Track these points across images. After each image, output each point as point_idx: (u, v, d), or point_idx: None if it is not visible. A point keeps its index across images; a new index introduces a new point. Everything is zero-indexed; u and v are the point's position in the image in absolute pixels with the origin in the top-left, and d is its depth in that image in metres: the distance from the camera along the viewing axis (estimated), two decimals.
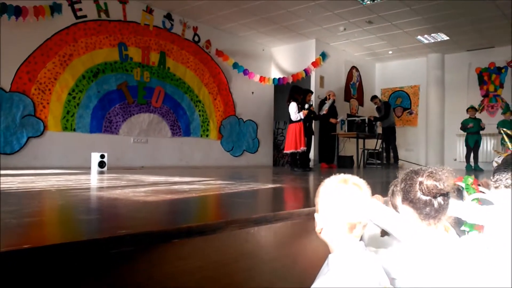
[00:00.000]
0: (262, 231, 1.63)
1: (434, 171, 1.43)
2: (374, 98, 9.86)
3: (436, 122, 10.88)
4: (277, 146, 11.44)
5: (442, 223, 1.48)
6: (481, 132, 9.29)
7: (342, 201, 1.22)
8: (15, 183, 3.19)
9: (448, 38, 9.52)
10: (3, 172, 4.66)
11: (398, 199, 1.49)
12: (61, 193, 2.63)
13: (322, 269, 1.25)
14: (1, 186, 2.92)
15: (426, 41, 9.85)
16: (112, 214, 1.82)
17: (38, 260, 1.02)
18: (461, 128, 9.42)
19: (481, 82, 10.50)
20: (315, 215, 1.30)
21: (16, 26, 6.03)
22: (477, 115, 9.50)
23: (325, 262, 1.25)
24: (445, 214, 1.45)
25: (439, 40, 9.71)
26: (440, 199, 1.41)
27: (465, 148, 9.59)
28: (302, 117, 6.96)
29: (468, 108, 9.45)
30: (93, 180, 3.94)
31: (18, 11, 5.95)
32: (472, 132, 9.23)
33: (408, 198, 1.43)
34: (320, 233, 1.27)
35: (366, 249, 1.25)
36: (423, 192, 1.41)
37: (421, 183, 1.42)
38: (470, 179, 2.00)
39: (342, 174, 1.30)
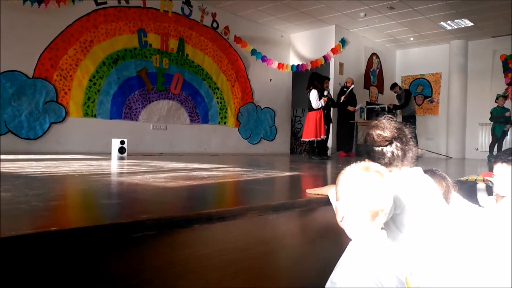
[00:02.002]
0: (280, 218, 1.64)
1: (379, 122, 1.54)
2: (394, 86, 9.67)
3: (457, 111, 10.64)
4: (295, 133, 11.41)
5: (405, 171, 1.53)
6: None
7: (364, 189, 1.21)
8: (40, 167, 3.28)
9: (472, 24, 9.24)
10: (27, 157, 4.80)
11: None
12: (84, 178, 2.70)
13: (342, 258, 1.26)
14: (26, 170, 3.01)
15: (449, 27, 9.59)
16: (133, 199, 1.86)
17: (64, 242, 1.06)
18: (491, 118, 9.17)
19: (506, 69, 10.18)
20: (336, 203, 1.30)
21: (38, 12, 6.12)
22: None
23: (346, 250, 1.25)
24: (401, 162, 1.52)
25: (462, 26, 9.44)
26: (391, 148, 1.50)
27: (489, 137, 9.37)
28: (323, 105, 6.90)
29: (498, 97, 9.20)
30: (114, 165, 4.02)
31: None
32: (501, 122, 9.00)
33: (368, 152, 1.56)
34: (341, 221, 1.26)
35: (388, 238, 1.25)
36: (373, 143, 1.52)
37: (368, 134, 1.54)
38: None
39: (363, 162, 1.29)
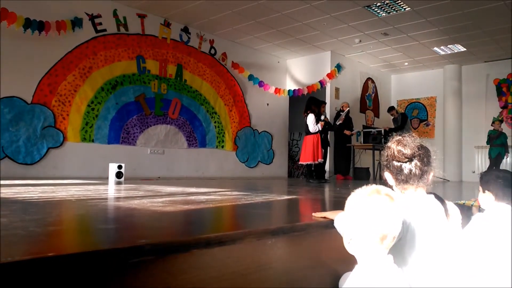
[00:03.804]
0: (279, 242, 1.63)
1: (402, 138, 1.56)
2: (391, 109, 9.79)
3: (453, 134, 10.73)
4: (292, 157, 11.42)
5: (420, 193, 1.56)
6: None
7: (374, 211, 1.21)
8: (37, 192, 3.26)
9: (465, 49, 9.44)
10: (24, 182, 4.77)
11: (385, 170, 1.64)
12: (81, 203, 2.68)
13: (347, 281, 1.24)
14: (23, 195, 2.99)
15: (442, 53, 9.78)
16: (130, 223, 1.85)
17: (61, 268, 1.05)
18: (488, 141, 9.25)
19: (500, 93, 10.34)
20: (344, 225, 1.29)
21: (38, 40, 6.22)
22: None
23: (351, 274, 1.24)
24: (418, 182, 1.54)
25: (456, 51, 9.63)
26: (409, 165, 1.52)
27: (486, 160, 9.44)
28: (320, 129, 6.96)
29: (495, 121, 9.32)
30: (111, 190, 4.00)
31: (41, 26, 6.15)
32: (497, 145, 9.08)
33: (387, 166, 1.59)
34: (349, 243, 1.25)
35: (394, 264, 1.24)
36: (392, 158, 1.54)
37: (389, 148, 1.55)
38: None
39: (374, 185, 1.29)
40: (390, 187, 1.54)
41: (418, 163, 1.53)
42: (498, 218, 1.78)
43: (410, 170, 1.53)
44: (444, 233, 1.52)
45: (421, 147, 1.55)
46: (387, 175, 1.61)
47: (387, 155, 1.58)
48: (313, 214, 1.98)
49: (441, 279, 1.40)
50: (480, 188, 1.96)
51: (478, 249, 1.61)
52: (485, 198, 1.92)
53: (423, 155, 1.54)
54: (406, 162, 1.53)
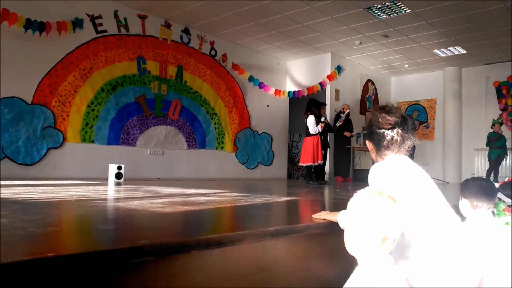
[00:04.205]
0: (279, 243, 1.63)
1: (386, 105, 1.61)
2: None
3: (453, 136, 10.73)
4: (292, 158, 11.42)
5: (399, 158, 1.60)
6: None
7: (377, 213, 1.21)
8: (36, 193, 3.26)
9: (465, 51, 9.44)
10: (24, 182, 4.77)
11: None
12: (81, 203, 2.68)
13: (348, 283, 1.24)
14: (22, 196, 2.99)
15: (442, 55, 9.79)
16: (130, 224, 1.85)
17: (61, 269, 1.05)
18: (487, 143, 9.25)
19: (500, 95, 10.34)
20: (345, 226, 1.29)
21: (39, 40, 6.22)
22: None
23: (352, 275, 1.24)
24: (399, 148, 1.59)
25: (456, 53, 9.64)
26: (391, 132, 1.57)
27: (485, 162, 9.44)
28: (320, 130, 6.96)
29: (494, 123, 9.32)
30: (111, 191, 4.00)
31: (42, 27, 6.15)
32: (497, 147, 9.08)
33: (369, 133, 1.64)
34: (349, 244, 1.25)
35: (395, 265, 1.24)
36: (376, 125, 1.58)
37: (374, 114, 1.60)
38: (502, 206, 2.04)
39: (376, 187, 1.29)
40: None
41: (400, 131, 1.58)
42: (477, 228, 1.85)
43: (392, 137, 1.58)
44: (435, 189, 1.57)
45: (403, 116, 1.60)
46: (368, 144, 1.67)
47: (370, 122, 1.63)
48: (313, 216, 1.98)
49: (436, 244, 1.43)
50: (460, 195, 2.02)
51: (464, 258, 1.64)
52: (463, 205, 1.99)
53: (405, 123, 1.59)
54: (388, 129, 1.58)
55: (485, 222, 1.90)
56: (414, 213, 1.46)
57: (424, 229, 1.47)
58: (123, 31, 7.44)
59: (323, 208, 3.03)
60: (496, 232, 1.82)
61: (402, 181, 1.51)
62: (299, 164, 7.33)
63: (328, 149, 8.36)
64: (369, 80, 11.22)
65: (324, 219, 1.87)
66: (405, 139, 1.58)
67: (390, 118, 1.57)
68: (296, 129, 10.98)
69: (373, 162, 1.69)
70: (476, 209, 1.93)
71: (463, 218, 1.99)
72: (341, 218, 1.65)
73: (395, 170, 1.55)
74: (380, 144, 1.60)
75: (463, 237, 1.63)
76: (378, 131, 1.60)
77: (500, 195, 2.20)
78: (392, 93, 12.21)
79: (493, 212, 2.07)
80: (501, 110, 10.29)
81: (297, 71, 10.55)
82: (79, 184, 4.84)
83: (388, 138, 1.58)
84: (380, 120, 1.59)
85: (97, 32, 7.09)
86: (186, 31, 8.42)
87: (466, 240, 1.66)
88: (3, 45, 5.92)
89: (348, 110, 8.96)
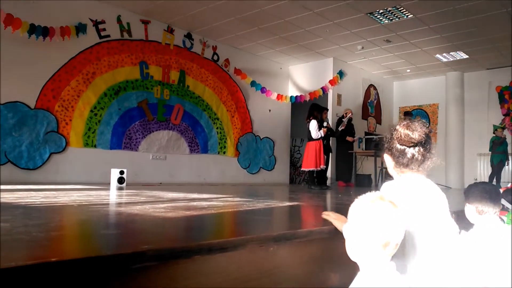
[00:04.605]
0: (281, 249, 1.63)
1: (411, 123, 1.55)
2: (407, 114, 9.95)
3: (455, 141, 10.70)
4: (294, 163, 11.41)
5: (419, 177, 1.57)
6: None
7: (378, 218, 1.20)
8: (39, 197, 3.27)
9: (467, 56, 9.44)
10: (26, 187, 4.78)
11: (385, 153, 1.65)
12: (83, 208, 2.69)
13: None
14: (25, 200, 3.00)
15: (445, 60, 9.79)
16: (133, 229, 1.85)
17: (64, 273, 1.05)
18: (490, 148, 9.24)
19: (502, 100, 10.32)
20: (347, 231, 1.29)
21: (42, 45, 6.25)
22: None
23: (353, 281, 1.23)
24: (418, 167, 1.55)
25: (458, 58, 9.64)
26: (413, 150, 1.53)
27: (488, 167, 9.42)
28: (323, 135, 6.96)
29: (497, 128, 9.32)
30: (113, 195, 4.01)
31: (45, 32, 6.18)
32: (499, 152, 9.07)
33: (389, 148, 1.59)
34: (351, 250, 1.25)
35: (396, 271, 1.23)
36: (398, 141, 1.54)
37: (396, 130, 1.55)
38: None
39: (377, 192, 1.29)
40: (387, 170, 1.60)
41: (421, 149, 1.54)
42: (485, 235, 1.82)
43: (413, 155, 1.54)
44: (446, 217, 1.53)
45: (427, 135, 1.56)
46: (386, 157, 1.62)
47: (392, 137, 1.59)
48: (323, 213, 1.96)
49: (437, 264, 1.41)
50: (465, 201, 2.00)
51: (471, 265, 1.62)
52: (468, 210, 1.97)
53: (427, 143, 1.56)
54: (410, 147, 1.54)
55: (493, 228, 1.86)
56: (416, 232, 1.44)
57: (424, 244, 1.45)
58: (126, 36, 7.48)
59: None
60: (506, 239, 1.78)
61: (411, 207, 1.46)
62: (302, 169, 7.32)
63: (330, 154, 8.36)
64: (371, 85, 11.22)
65: (330, 223, 1.86)
66: (425, 158, 1.54)
67: (414, 136, 1.52)
68: (298, 134, 10.98)
69: (380, 169, 1.67)
70: (482, 215, 1.90)
71: (469, 224, 1.97)
72: (346, 229, 1.64)
73: (406, 194, 1.49)
74: (399, 161, 1.56)
75: (468, 245, 1.61)
76: (400, 147, 1.55)
77: (503, 201, 2.18)
78: (394, 98, 12.20)
79: (500, 218, 2.05)
80: (503, 115, 10.27)
81: (299, 76, 10.57)
82: (81, 188, 4.85)
83: (409, 155, 1.54)
84: (402, 136, 1.54)
85: (100, 37, 7.13)
86: (188, 36, 8.45)
87: (473, 248, 1.64)
88: (7, 50, 5.96)
89: (350, 115, 8.97)
